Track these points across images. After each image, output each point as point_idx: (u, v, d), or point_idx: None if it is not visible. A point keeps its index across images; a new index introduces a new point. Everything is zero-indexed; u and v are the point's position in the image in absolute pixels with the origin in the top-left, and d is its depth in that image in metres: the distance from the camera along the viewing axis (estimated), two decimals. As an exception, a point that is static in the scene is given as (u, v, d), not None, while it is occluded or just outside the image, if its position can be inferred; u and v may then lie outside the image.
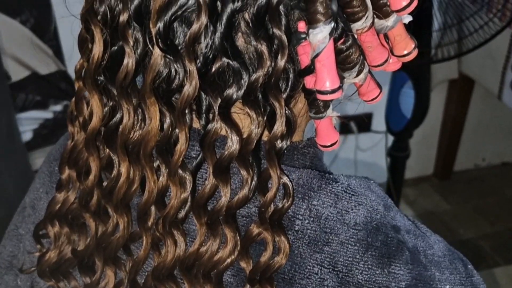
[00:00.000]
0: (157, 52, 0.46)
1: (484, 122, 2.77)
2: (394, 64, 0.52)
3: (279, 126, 0.47)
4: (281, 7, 0.45)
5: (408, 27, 0.50)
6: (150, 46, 0.47)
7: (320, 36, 0.44)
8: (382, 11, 0.48)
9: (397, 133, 1.81)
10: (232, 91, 0.46)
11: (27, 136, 1.70)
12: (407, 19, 0.49)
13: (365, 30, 0.47)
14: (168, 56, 0.46)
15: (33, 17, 1.74)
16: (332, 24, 0.44)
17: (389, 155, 1.88)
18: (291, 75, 0.48)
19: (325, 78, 0.46)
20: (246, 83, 0.46)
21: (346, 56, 0.48)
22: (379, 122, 2.25)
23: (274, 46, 0.45)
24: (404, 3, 0.46)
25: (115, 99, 0.50)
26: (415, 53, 0.51)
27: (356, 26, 0.47)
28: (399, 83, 1.72)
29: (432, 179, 2.86)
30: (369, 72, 0.51)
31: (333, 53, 0.46)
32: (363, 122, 2.34)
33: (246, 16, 0.45)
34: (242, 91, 0.46)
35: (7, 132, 1.55)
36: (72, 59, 1.63)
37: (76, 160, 0.56)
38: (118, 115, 0.51)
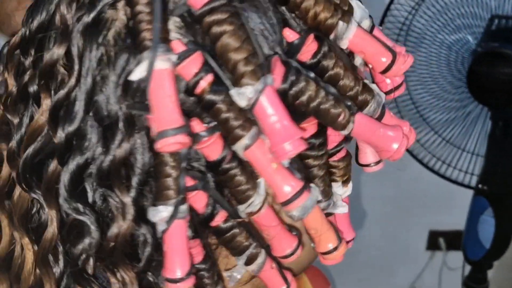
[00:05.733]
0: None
1: None
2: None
3: None
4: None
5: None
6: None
7: (158, 217, 0.36)
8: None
9: (475, 262, 1.61)
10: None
11: None
12: (343, 209, 0.41)
13: (254, 215, 0.38)
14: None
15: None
16: (173, 208, 0.36)
17: (465, 286, 1.68)
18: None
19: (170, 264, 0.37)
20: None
21: (228, 239, 0.39)
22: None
23: None
24: (283, 200, 0.37)
25: None
26: (343, 248, 0.41)
27: (241, 208, 0.38)
28: (478, 209, 1.55)
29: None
30: (278, 263, 0.41)
31: (180, 238, 0.37)
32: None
33: None
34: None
35: None
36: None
37: None
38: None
